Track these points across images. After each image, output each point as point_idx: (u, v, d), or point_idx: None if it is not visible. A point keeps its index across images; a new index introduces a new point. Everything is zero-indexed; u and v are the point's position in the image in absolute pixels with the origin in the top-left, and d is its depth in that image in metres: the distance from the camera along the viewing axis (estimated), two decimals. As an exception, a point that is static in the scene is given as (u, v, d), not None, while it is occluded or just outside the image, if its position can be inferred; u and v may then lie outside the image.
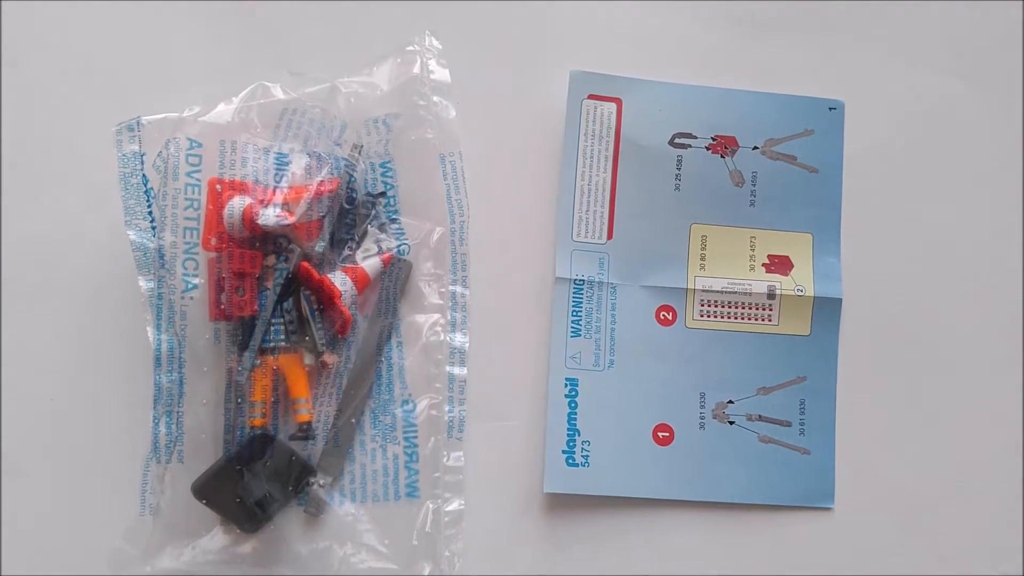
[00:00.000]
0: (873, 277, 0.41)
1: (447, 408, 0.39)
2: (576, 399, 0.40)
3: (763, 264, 0.41)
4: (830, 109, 0.42)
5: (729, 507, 0.40)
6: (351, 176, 0.39)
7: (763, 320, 0.41)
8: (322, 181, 0.38)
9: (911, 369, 0.41)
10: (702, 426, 0.40)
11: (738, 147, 0.41)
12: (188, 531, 0.38)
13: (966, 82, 0.43)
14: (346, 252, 0.39)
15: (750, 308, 0.41)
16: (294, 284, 0.38)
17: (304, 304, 0.37)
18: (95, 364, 0.40)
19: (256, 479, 0.37)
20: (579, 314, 0.40)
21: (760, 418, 0.40)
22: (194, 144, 0.37)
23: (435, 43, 0.40)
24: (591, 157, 0.41)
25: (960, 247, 0.42)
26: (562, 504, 0.40)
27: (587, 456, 0.39)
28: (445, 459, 0.39)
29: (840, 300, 0.41)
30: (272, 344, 0.37)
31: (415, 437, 0.39)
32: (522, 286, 0.41)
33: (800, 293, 0.41)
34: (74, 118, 0.41)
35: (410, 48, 0.40)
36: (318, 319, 0.38)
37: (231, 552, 0.38)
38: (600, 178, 0.41)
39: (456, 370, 0.40)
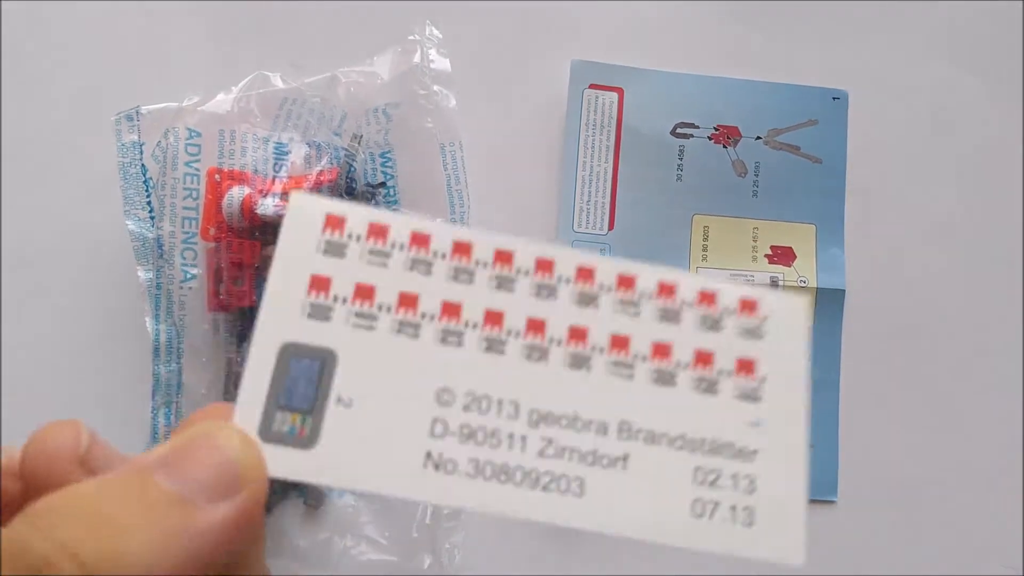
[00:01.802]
0: (877, 268, 0.41)
1: (447, 400, 0.39)
2: (577, 391, 0.39)
3: (766, 255, 0.41)
4: (834, 99, 0.42)
5: (731, 500, 0.40)
6: (351, 166, 0.39)
7: (766, 312, 0.40)
8: (321, 171, 0.37)
9: (916, 361, 0.41)
10: (704, 418, 0.40)
11: (741, 137, 0.41)
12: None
13: (972, 72, 0.43)
14: (346, 242, 0.39)
15: (753, 299, 0.40)
16: (293, 274, 0.37)
17: (303, 295, 0.37)
18: (93, 354, 0.39)
19: (255, 470, 0.37)
20: (580, 305, 0.40)
21: (763, 410, 0.40)
22: (193, 134, 0.37)
23: (435, 32, 0.40)
24: (592, 147, 0.41)
25: (965, 238, 0.42)
26: (563, 497, 0.39)
27: (588, 448, 0.39)
28: (445, 451, 0.39)
29: (843, 291, 0.41)
30: (271, 335, 0.37)
31: (415, 429, 0.39)
32: (523, 277, 0.40)
33: (803, 284, 0.40)
34: (72, 108, 0.41)
35: (410, 37, 0.40)
36: (317, 310, 0.37)
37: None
38: (601, 168, 0.40)
39: (456, 361, 0.39)
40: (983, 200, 0.42)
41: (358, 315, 0.22)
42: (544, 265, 0.23)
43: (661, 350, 0.22)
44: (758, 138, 0.41)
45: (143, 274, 0.37)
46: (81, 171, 0.40)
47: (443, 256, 0.22)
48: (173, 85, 0.39)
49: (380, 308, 0.22)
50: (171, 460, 0.18)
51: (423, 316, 0.22)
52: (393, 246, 0.22)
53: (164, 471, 0.18)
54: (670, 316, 0.23)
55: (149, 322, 0.37)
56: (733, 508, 0.21)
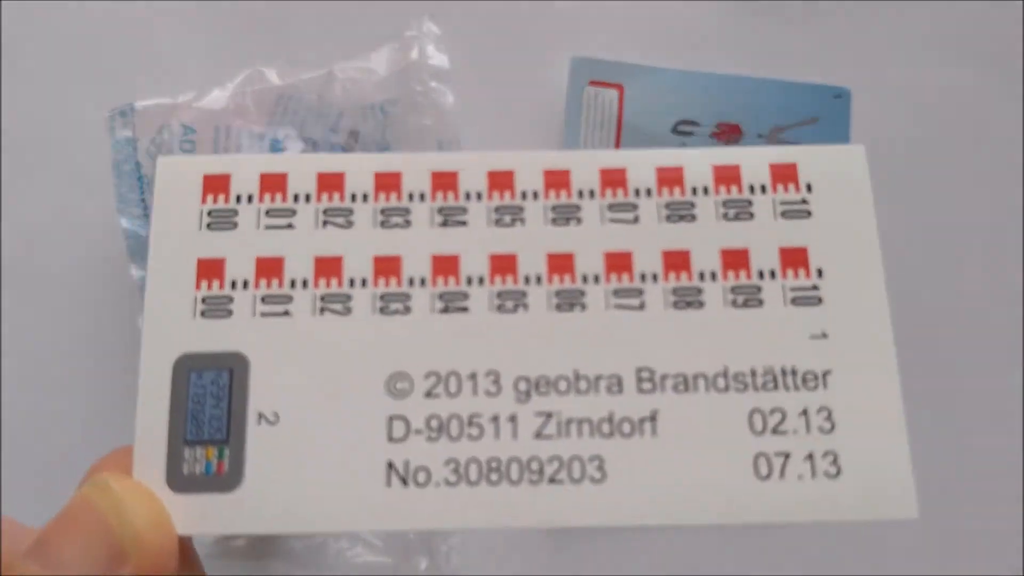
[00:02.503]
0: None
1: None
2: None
3: (767, 254, 0.40)
4: (836, 97, 0.41)
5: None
6: (347, 163, 0.38)
7: (767, 312, 0.40)
8: (318, 168, 0.37)
9: (917, 364, 0.40)
10: (704, 419, 0.39)
11: (742, 135, 0.41)
12: (181, 524, 0.37)
13: (976, 70, 0.42)
14: (342, 240, 0.38)
15: (754, 299, 0.40)
16: (289, 273, 0.37)
17: (299, 293, 0.37)
18: (85, 353, 0.39)
19: (249, 471, 0.36)
20: (579, 305, 0.39)
21: (763, 412, 0.40)
22: (188, 130, 0.37)
23: (433, 28, 0.40)
24: (592, 144, 0.40)
25: (969, 239, 0.41)
26: (561, 498, 0.39)
27: (587, 449, 0.38)
28: (442, 452, 0.39)
29: (845, 292, 0.40)
30: (266, 334, 0.37)
31: (412, 429, 0.39)
32: (521, 276, 0.40)
33: (805, 284, 0.40)
34: (66, 103, 0.40)
35: (408, 33, 0.40)
36: (313, 309, 0.37)
37: (225, 545, 0.37)
38: (601, 166, 0.40)
39: (454, 361, 0.39)
40: (989, 200, 0.42)
41: (266, 300, 0.17)
42: (500, 181, 0.17)
43: (676, 261, 0.17)
44: (760, 136, 0.41)
45: (136, 272, 0.37)
46: (74, 168, 0.40)
47: (364, 198, 0.17)
48: (167, 81, 0.39)
49: (293, 285, 0.17)
50: (45, 540, 0.16)
51: (351, 283, 0.17)
52: (297, 199, 0.17)
53: (35, 556, 0.15)
54: (680, 213, 0.17)
55: (143, 321, 0.37)
56: (810, 457, 0.16)
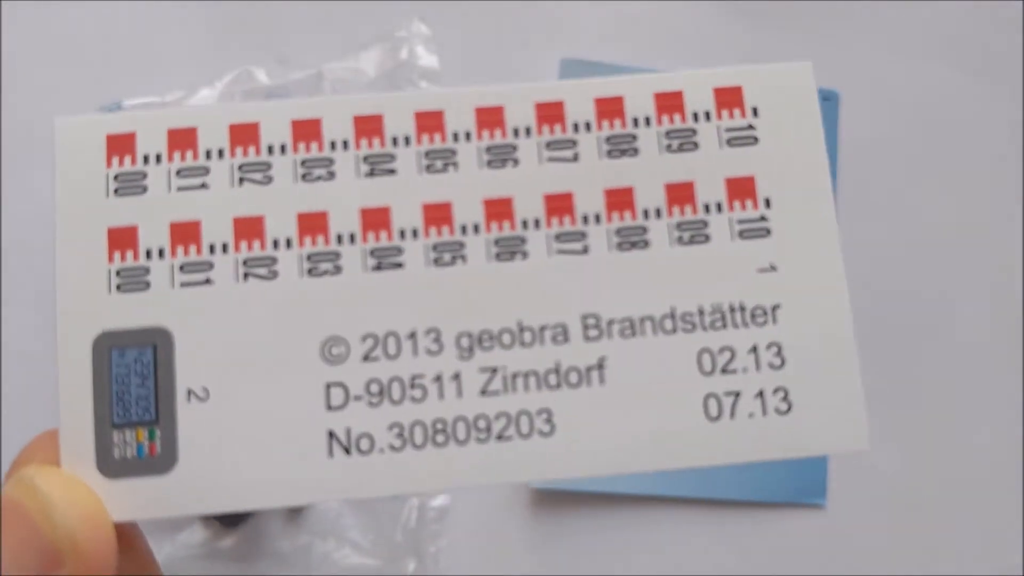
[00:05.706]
0: (869, 271, 0.41)
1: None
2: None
3: (756, 257, 0.40)
4: (824, 99, 0.41)
5: (719, 504, 0.39)
6: (336, 163, 0.38)
7: (756, 313, 0.40)
8: (307, 168, 0.37)
9: (907, 364, 0.40)
10: (693, 421, 0.39)
11: (730, 136, 0.41)
12: (167, 525, 0.37)
13: (966, 72, 0.42)
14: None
15: (742, 301, 0.40)
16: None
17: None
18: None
19: (236, 472, 0.36)
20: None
21: (752, 413, 0.39)
22: (176, 130, 0.37)
23: (423, 29, 0.40)
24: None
25: (959, 241, 0.41)
26: (549, 500, 0.39)
27: (575, 451, 0.38)
28: (430, 453, 0.38)
29: (834, 294, 0.40)
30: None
31: (399, 430, 0.38)
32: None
33: (793, 286, 0.40)
34: (54, 101, 0.40)
35: (398, 34, 0.40)
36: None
37: (211, 547, 0.37)
38: (590, 167, 0.40)
39: (442, 362, 0.39)
40: (978, 202, 0.42)
41: (184, 268, 0.16)
42: (428, 123, 0.16)
43: (619, 200, 0.16)
44: (748, 138, 0.41)
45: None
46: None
47: (282, 149, 0.16)
48: (156, 80, 0.39)
49: (212, 250, 0.16)
50: None
51: (275, 245, 0.16)
52: (209, 155, 0.16)
53: None
54: (622, 147, 0.16)
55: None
56: (760, 394, 0.15)
